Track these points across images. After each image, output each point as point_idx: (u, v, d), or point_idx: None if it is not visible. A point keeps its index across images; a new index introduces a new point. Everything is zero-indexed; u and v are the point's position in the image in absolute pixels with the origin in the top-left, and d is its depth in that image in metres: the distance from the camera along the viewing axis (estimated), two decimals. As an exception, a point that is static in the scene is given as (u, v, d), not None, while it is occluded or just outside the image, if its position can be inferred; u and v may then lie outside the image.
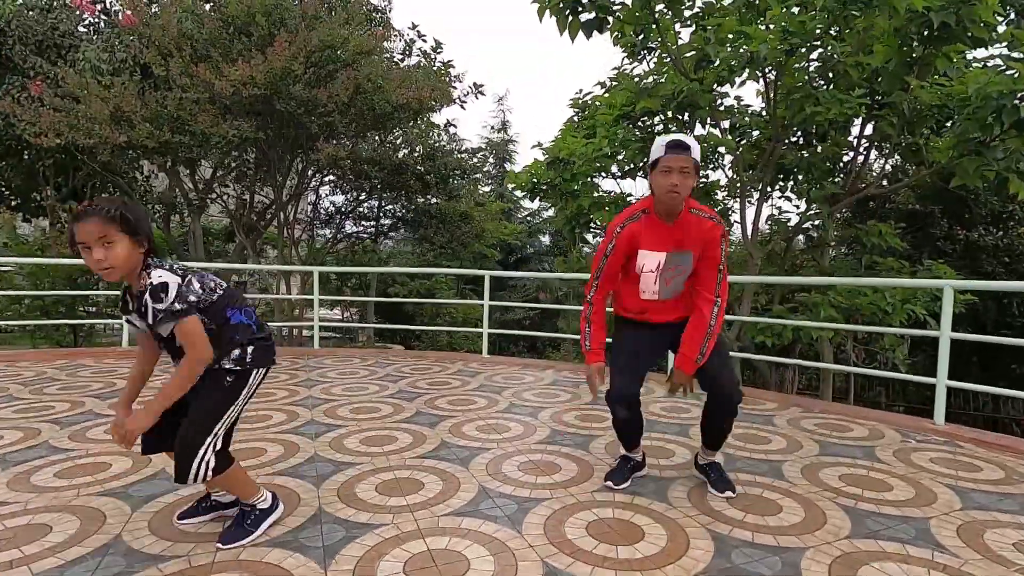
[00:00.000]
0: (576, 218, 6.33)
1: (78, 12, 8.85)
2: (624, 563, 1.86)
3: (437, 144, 8.68)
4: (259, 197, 11.64)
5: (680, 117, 5.76)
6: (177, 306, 1.66)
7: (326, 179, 8.26)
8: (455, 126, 10.03)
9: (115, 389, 4.47)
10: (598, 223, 6.34)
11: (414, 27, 11.72)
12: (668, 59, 6.17)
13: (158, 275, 1.64)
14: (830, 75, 4.83)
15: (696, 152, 2.11)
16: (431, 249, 8.30)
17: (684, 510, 2.23)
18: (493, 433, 3.39)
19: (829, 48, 4.43)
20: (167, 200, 9.28)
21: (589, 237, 8.24)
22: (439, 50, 11.32)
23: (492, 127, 24.28)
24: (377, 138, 9.09)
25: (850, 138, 6.43)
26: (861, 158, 6.74)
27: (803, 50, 4.45)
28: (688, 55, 5.23)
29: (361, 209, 9.88)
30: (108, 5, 10.50)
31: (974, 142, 4.50)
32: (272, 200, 10.74)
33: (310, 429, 3.25)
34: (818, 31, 4.22)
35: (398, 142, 8.52)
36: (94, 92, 6.09)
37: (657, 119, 6.17)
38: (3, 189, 12.81)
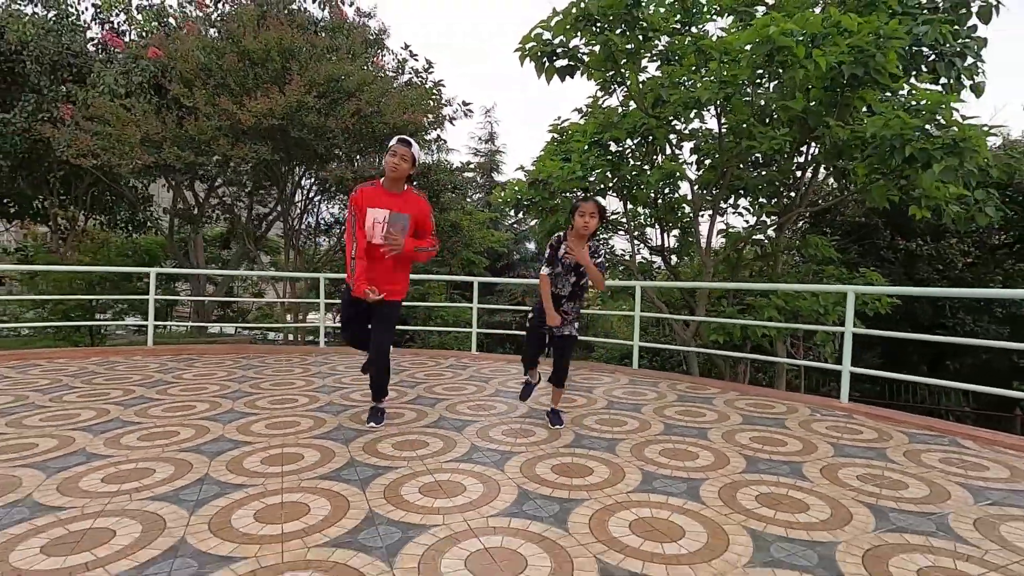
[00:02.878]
0: (555, 231, 7.17)
1: (98, 39, 9.53)
2: (672, 559, 1.97)
3: (429, 161, 9.47)
4: (257, 208, 12.36)
5: (643, 145, 6.63)
6: None
7: (336, 195, 9.01)
8: (445, 140, 10.82)
9: (154, 381, 5.19)
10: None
11: (406, 47, 12.55)
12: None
13: None
14: (764, 116, 5.75)
15: (416, 150, 3.43)
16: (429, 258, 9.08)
17: (717, 508, 2.38)
18: (481, 411, 4.19)
19: (760, 93, 5.34)
20: (172, 212, 9.97)
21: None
22: (430, 70, 12.16)
23: (480, 138, 25.15)
24: (376, 158, 9.88)
25: (800, 160, 7.38)
26: (808, 177, 7.70)
27: (737, 96, 5.35)
28: (647, 94, 6.12)
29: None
30: (115, 25, 11.18)
31: (878, 172, 5.44)
32: (271, 210, 11.45)
33: (339, 435, 3.40)
34: (744, 81, 5.13)
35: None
36: (123, 117, 6.81)
37: (624, 145, 7.06)
38: (3, 197, 13.36)
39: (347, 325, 3.66)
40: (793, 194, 7.60)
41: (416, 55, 12.35)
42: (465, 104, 11.66)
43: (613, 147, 6.86)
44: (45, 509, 2.27)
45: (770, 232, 7.60)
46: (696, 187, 7.29)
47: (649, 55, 6.02)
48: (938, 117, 5.02)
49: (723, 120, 5.87)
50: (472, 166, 12.49)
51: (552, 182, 6.51)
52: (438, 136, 10.68)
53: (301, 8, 8.92)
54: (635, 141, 6.69)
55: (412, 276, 7.58)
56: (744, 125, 5.78)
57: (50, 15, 11.51)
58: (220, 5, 7.41)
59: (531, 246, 24.73)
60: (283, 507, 2.31)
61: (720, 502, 2.45)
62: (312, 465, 2.85)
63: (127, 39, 10.22)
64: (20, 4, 12.17)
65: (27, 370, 5.44)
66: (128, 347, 7.28)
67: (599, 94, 7.43)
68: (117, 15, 11.27)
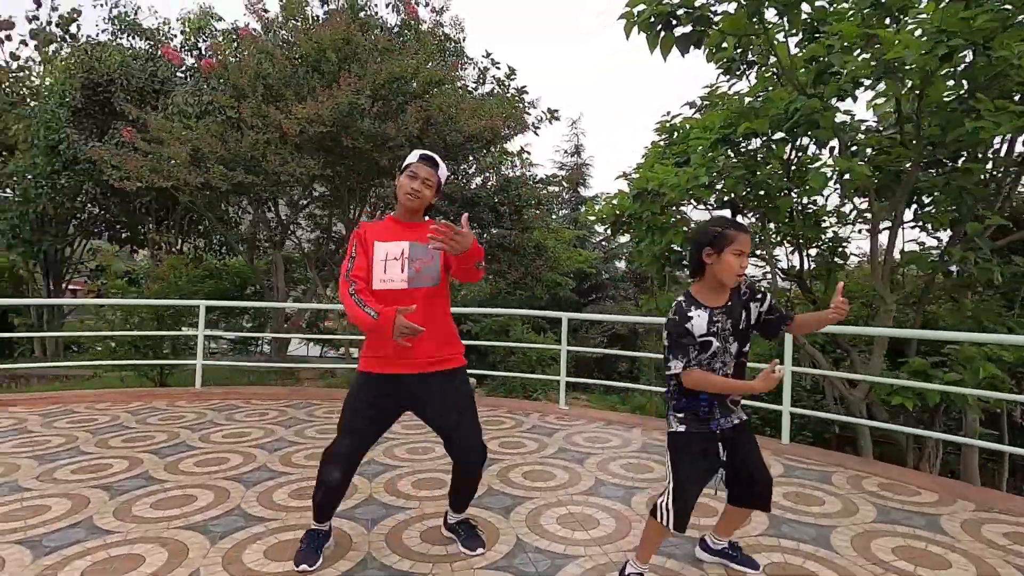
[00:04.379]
0: (666, 255, 5.63)
1: (170, 60, 9.35)
2: None
3: (511, 174, 8.28)
4: (337, 229, 11.78)
5: (793, 139, 4.96)
6: None
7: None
8: (529, 153, 9.60)
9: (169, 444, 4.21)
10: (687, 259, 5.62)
11: (488, 55, 11.55)
12: (774, 73, 5.42)
13: None
14: (981, 81, 3.89)
15: (443, 171, 2.50)
16: (504, 283, 7.85)
17: None
18: (580, 529, 2.77)
19: (996, 51, 3.54)
20: (247, 236, 9.48)
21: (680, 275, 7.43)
22: (513, 76, 11.06)
23: (565, 151, 23.88)
24: (459, 169, 8.88)
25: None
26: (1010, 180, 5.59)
27: (962, 54, 3.59)
28: (800, 69, 4.47)
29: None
30: (203, 51, 11.12)
31: None
32: (346, 234, 10.77)
33: (368, 468, 3.39)
34: (986, 30, 3.36)
35: (471, 171, 8.20)
36: (176, 135, 6.21)
37: (758, 141, 5.41)
38: (115, 223, 13.88)
39: (356, 433, 2.38)
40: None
41: (498, 63, 11.33)
42: (551, 112, 10.44)
43: (744, 143, 5.25)
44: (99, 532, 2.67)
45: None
46: (847, 195, 5.48)
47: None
48: None
49: (923, 94, 4.09)
50: (558, 179, 11.16)
51: (665, 192, 5.01)
52: (522, 148, 9.48)
53: (372, 14, 8.11)
54: (778, 135, 5.03)
55: (492, 310, 6.31)
56: (950, 99, 3.99)
57: (141, 44, 11.72)
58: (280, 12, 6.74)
59: (621, 265, 22.99)
60: None
61: None
62: None
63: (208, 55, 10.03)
64: (120, 37, 12.57)
65: (55, 419, 4.70)
66: (179, 389, 6.57)
67: (722, 79, 5.86)
68: (205, 40, 11.24)
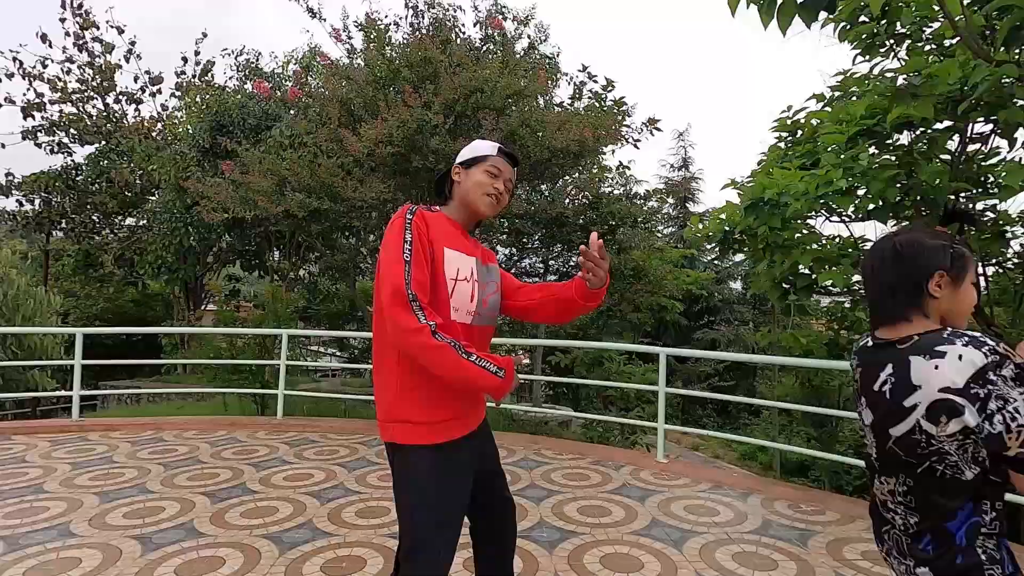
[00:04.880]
0: (790, 278, 4.60)
1: (278, 96, 9.88)
2: None
3: (603, 191, 7.56)
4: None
5: (965, 126, 3.79)
6: None
7: (488, 236, 7.66)
8: (629, 168, 8.83)
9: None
10: (820, 285, 4.51)
11: (584, 69, 10.98)
12: (935, 48, 4.25)
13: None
14: None
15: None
16: (597, 310, 7.10)
17: None
18: None
19: None
20: (342, 263, 9.64)
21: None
22: (610, 88, 10.38)
23: (671, 165, 22.54)
24: (542, 188, 8.35)
25: None
26: None
27: None
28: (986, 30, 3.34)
29: (523, 265, 9.18)
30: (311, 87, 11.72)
31: None
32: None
33: None
34: None
35: (568, 189, 7.61)
36: (266, 166, 6.33)
37: (910, 134, 4.24)
38: (244, 252, 15.13)
39: (453, 528, 1.66)
40: None
41: (595, 76, 10.74)
42: (652, 122, 9.59)
43: (895, 136, 4.13)
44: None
45: None
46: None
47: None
48: None
49: None
50: (661, 194, 10.21)
51: (787, 202, 4.04)
52: (620, 163, 8.74)
53: (458, 32, 7.90)
54: (942, 124, 3.88)
55: (581, 344, 5.60)
56: None
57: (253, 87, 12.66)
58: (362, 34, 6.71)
59: (736, 285, 21.04)
60: None
61: None
62: None
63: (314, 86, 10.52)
64: (245, 82, 13.73)
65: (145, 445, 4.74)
66: (263, 419, 6.58)
67: (861, 61, 4.74)
68: (314, 77, 11.89)
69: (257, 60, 13.61)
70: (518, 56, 7.93)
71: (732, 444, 11.97)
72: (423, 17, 7.83)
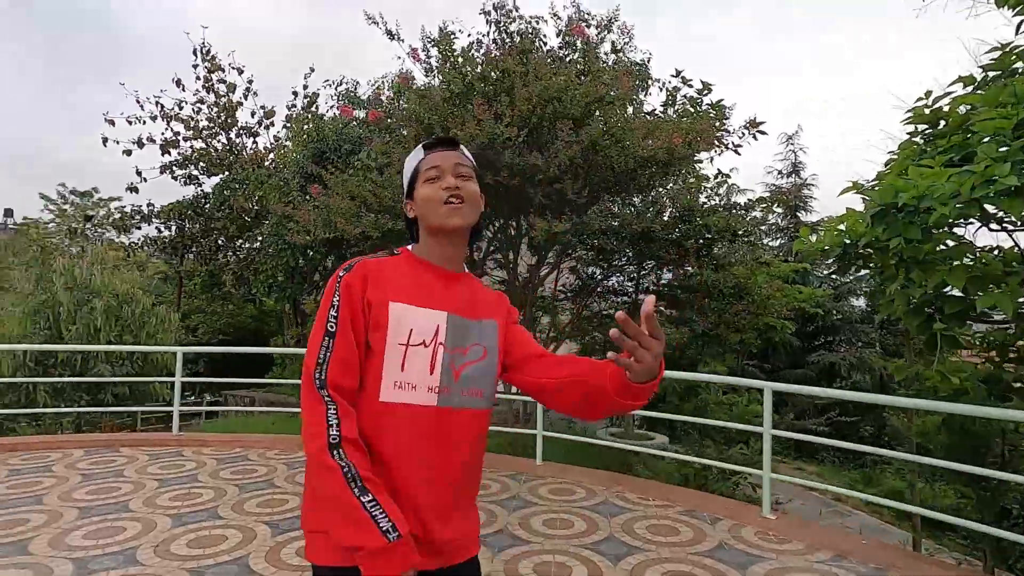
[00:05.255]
0: (935, 302, 3.74)
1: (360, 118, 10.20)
2: None
3: (700, 201, 6.86)
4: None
5: None
6: None
7: (572, 253, 7.22)
8: (729, 176, 8.04)
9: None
10: (978, 309, 3.59)
11: (677, 74, 10.33)
12: None
13: None
14: None
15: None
16: (689, 332, 6.38)
17: None
18: None
19: None
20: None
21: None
22: (706, 92, 9.65)
23: (779, 172, 20.76)
24: (634, 200, 7.81)
25: None
26: None
27: None
28: None
29: (610, 283, 8.63)
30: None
31: None
32: (506, 279, 10.29)
33: None
34: None
35: (658, 200, 7.04)
36: (348, 187, 6.42)
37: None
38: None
39: None
40: None
41: (689, 81, 10.08)
42: (754, 124, 8.70)
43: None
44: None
45: None
46: None
47: None
48: None
49: None
50: (766, 203, 9.25)
51: (931, 207, 3.25)
52: (720, 172, 7.99)
53: (541, 42, 7.64)
54: None
55: (674, 374, 4.87)
56: None
57: (360, 113, 13.26)
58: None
59: (859, 302, 18.78)
60: None
61: None
62: None
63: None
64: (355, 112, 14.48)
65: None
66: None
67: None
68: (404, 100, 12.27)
69: (355, 88, 14.36)
70: (602, 63, 7.50)
71: (858, 488, 10.43)
72: (505, 31, 7.66)
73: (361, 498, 1.09)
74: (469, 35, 7.06)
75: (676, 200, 6.78)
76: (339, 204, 6.16)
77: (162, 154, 16.33)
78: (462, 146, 1.42)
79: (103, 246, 19.32)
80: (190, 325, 20.27)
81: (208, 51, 16.17)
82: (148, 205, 16.92)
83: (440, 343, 1.25)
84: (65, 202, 25.67)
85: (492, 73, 5.46)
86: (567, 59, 6.80)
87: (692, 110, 8.76)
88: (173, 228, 17.27)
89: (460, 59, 5.64)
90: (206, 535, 3.56)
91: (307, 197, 9.73)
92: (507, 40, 7.14)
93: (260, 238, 15.00)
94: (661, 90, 10.11)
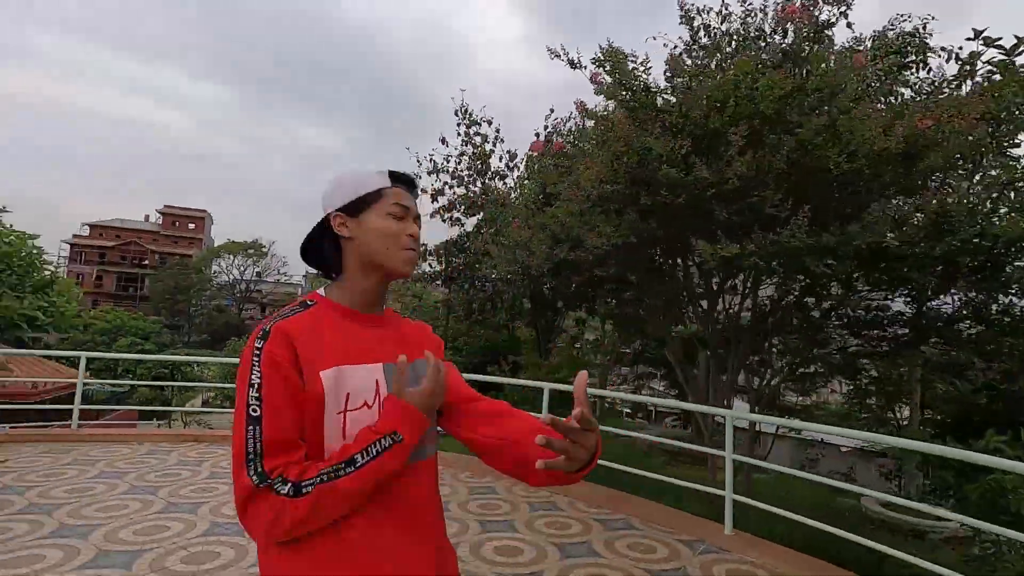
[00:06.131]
0: None
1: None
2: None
3: (976, 205, 4.93)
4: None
5: None
6: None
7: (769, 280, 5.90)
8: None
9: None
10: None
11: (977, 35, 7.91)
12: None
13: None
14: None
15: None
16: (969, 385, 4.51)
17: None
18: None
19: None
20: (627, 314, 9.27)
21: None
22: (1019, 51, 7.17)
23: None
24: (872, 208, 6.05)
25: None
26: None
27: None
28: None
29: (859, 313, 6.74)
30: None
31: None
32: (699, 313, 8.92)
33: None
34: None
35: (905, 206, 5.41)
36: (536, 219, 6.58)
37: None
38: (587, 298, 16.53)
39: None
40: None
41: (996, 40, 7.71)
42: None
43: None
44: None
45: None
46: None
47: None
48: None
49: None
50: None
51: None
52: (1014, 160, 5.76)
53: (765, 39, 6.66)
54: None
55: (949, 451, 3.62)
56: None
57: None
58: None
59: None
60: None
61: None
62: None
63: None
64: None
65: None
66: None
67: None
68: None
69: (583, 122, 14.90)
70: (839, 45, 6.19)
71: None
72: (715, 37, 6.94)
73: (356, 466, 1.05)
74: (668, 45, 6.48)
75: (923, 207, 4.97)
76: (517, 234, 6.37)
77: (431, 201, 19.58)
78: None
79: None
80: (457, 346, 23.62)
81: (467, 110, 18.85)
82: (423, 245, 20.42)
83: (384, 400, 1.16)
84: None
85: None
86: (782, 48, 5.73)
87: (1002, 79, 6.60)
88: (444, 263, 20.43)
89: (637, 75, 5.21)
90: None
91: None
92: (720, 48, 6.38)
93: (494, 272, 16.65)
94: (948, 60, 7.91)
